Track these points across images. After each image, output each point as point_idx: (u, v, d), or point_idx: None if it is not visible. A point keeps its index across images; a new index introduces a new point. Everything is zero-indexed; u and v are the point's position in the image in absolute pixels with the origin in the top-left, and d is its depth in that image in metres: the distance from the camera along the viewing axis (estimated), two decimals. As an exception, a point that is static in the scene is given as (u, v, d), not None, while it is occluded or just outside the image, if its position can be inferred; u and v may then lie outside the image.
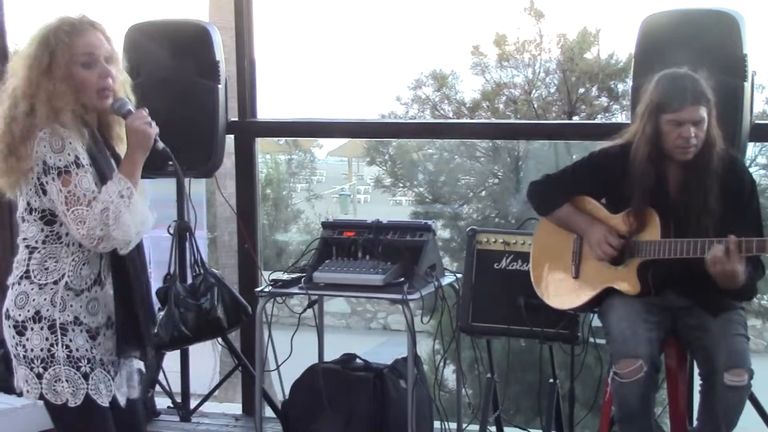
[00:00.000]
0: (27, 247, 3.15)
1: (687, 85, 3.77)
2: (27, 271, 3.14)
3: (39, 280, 3.13)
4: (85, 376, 3.15)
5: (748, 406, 3.88)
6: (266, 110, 5.70)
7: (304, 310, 4.87)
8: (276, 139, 18.51)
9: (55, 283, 3.13)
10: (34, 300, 3.12)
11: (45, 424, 5.30)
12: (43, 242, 3.14)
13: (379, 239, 4.78)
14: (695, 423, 3.89)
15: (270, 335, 4.80)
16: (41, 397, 3.14)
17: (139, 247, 3.26)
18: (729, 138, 4.03)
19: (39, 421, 5.30)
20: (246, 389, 5.61)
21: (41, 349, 3.12)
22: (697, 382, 3.86)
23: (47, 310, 3.11)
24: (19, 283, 3.14)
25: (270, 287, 4.75)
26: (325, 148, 27.26)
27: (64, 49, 3.07)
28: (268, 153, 19.74)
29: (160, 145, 3.19)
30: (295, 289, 4.73)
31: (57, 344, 3.12)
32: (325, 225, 4.98)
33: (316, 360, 5.03)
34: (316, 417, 4.77)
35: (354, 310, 15.64)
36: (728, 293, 3.74)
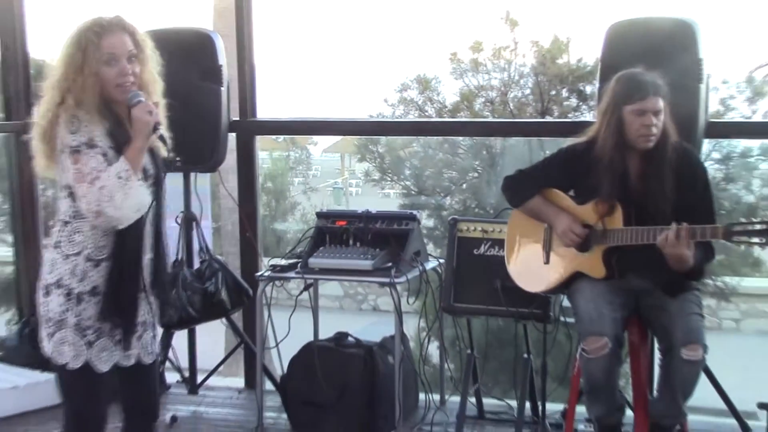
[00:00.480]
0: (60, 221, 3.23)
1: (647, 79, 3.80)
2: (58, 242, 3.22)
3: (65, 250, 3.20)
4: (89, 344, 3.22)
5: (703, 378, 3.91)
6: (265, 110, 5.70)
7: (301, 292, 4.88)
8: (274, 136, 18.48)
9: (77, 254, 3.19)
10: (59, 268, 3.20)
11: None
12: (73, 217, 3.21)
13: (368, 228, 4.80)
14: (655, 393, 3.92)
15: (269, 316, 4.81)
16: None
17: (141, 230, 3.25)
18: (686, 135, 4.04)
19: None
20: (248, 365, 5.62)
21: (56, 313, 3.20)
22: (657, 356, 3.89)
23: (67, 279, 3.18)
24: (51, 252, 3.23)
25: (269, 272, 4.76)
26: (319, 145, 27.24)
27: (93, 48, 3.15)
28: (267, 150, 19.71)
29: (159, 132, 3.20)
30: (292, 274, 4.75)
31: (70, 311, 3.19)
32: (320, 215, 4.99)
33: (311, 338, 5.05)
34: (312, 390, 4.78)
35: (346, 293, 15.61)
36: (679, 274, 3.77)
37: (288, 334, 4.81)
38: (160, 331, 3.58)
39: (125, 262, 3.22)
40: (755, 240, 3.56)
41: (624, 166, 3.85)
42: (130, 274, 3.25)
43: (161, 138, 3.21)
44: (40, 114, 3.21)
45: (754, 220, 3.62)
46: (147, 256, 3.31)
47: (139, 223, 3.22)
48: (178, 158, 3.31)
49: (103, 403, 3.34)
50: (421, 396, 5.08)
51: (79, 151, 3.11)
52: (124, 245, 3.21)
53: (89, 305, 3.20)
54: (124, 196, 3.09)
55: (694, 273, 3.78)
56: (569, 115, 10.79)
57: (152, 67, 3.31)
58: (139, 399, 3.47)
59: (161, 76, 3.37)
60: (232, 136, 5.41)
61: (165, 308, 3.49)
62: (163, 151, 3.33)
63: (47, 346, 3.24)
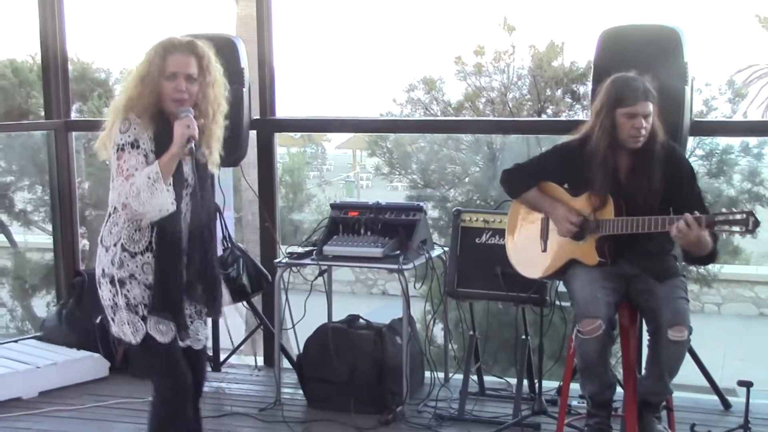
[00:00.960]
0: (108, 212, 3.31)
1: (638, 84, 3.78)
2: (102, 236, 3.31)
3: (105, 243, 3.29)
4: (144, 319, 3.26)
5: (687, 358, 3.89)
6: (283, 109, 5.68)
7: (316, 278, 4.88)
8: (292, 134, 18.46)
9: (115, 245, 3.26)
10: (102, 260, 3.28)
11: (100, 372, 5.37)
12: (115, 209, 3.27)
13: (378, 218, 4.79)
14: (643, 372, 3.90)
15: (287, 299, 4.81)
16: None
17: (179, 232, 3.29)
18: (672, 133, 4.03)
19: (96, 370, 5.35)
20: (267, 344, 5.61)
21: (109, 299, 3.28)
22: (646, 338, 3.87)
23: (109, 268, 3.26)
24: (99, 247, 3.31)
25: (287, 259, 4.76)
26: (333, 142, 27.20)
27: (158, 64, 3.24)
28: (285, 146, 19.69)
29: (190, 145, 3.22)
30: (308, 261, 4.75)
31: (118, 294, 3.24)
32: (333, 206, 4.98)
33: (325, 320, 5.03)
34: (325, 368, 4.78)
35: (358, 278, 15.60)
36: (698, 260, 3.76)
37: (304, 316, 4.81)
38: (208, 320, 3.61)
39: (165, 260, 3.26)
40: (736, 229, 3.55)
41: (615, 163, 3.83)
42: (172, 273, 3.28)
43: (190, 151, 3.23)
44: (109, 111, 3.32)
45: (734, 210, 3.61)
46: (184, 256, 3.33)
47: (176, 225, 3.26)
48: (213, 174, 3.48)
49: (178, 371, 3.35)
50: (427, 374, 5.08)
51: (124, 149, 3.19)
52: (163, 246, 3.25)
53: (133, 286, 3.25)
54: (150, 195, 3.12)
55: (714, 255, 3.76)
56: (563, 114, 10.76)
57: (213, 91, 3.35)
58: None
59: (226, 100, 3.43)
60: (253, 134, 5.39)
61: (214, 302, 3.46)
62: (213, 168, 3.42)
63: (113, 329, 3.32)
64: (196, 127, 3.23)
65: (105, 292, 3.28)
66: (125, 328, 3.26)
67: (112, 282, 3.24)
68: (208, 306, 3.44)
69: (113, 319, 3.29)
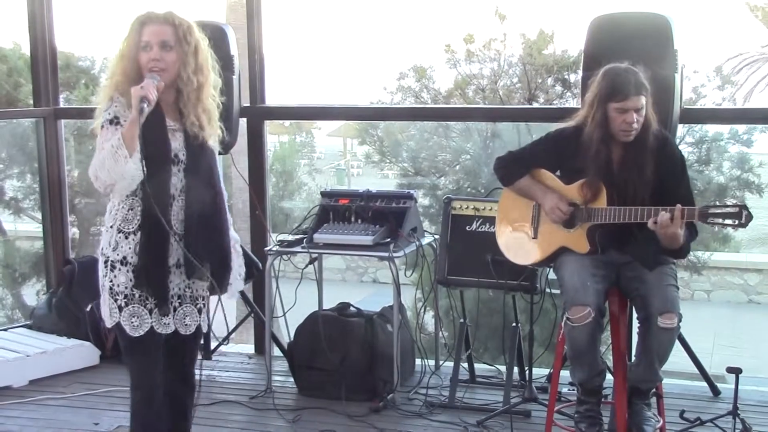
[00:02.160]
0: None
1: (630, 77, 3.77)
2: (106, 216, 3.30)
3: (106, 223, 3.29)
4: (119, 308, 3.24)
5: (677, 345, 3.91)
6: (273, 97, 5.67)
7: (306, 266, 4.88)
8: (282, 121, 18.43)
9: (111, 226, 3.25)
10: (102, 240, 3.29)
11: (90, 361, 5.37)
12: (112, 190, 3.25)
13: (369, 206, 4.79)
14: (633, 359, 3.91)
15: (277, 287, 4.82)
16: None
17: (165, 208, 3.22)
18: (663, 121, 4.03)
19: (87, 358, 5.35)
20: (258, 332, 5.62)
21: (101, 278, 3.28)
22: (636, 325, 3.88)
23: (105, 249, 3.26)
24: (103, 228, 3.32)
25: (277, 247, 4.76)
26: (323, 130, 27.17)
27: (134, 36, 3.22)
28: (275, 134, 19.65)
29: (143, 104, 3.08)
30: (298, 249, 4.75)
31: (106, 276, 3.25)
32: (324, 194, 4.98)
33: (316, 308, 5.04)
34: (316, 355, 4.78)
35: (348, 266, 15.61)
36: (668, 252, 3.76)
37: (294, 304, 4.82)
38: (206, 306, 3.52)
39: (150, 236, 3.21)
40: (728, 221, 3.56)
41: (608, 155, 3.84)
42: (156, 249, 3.23)
43: (141, 110, 3.09)
44: (97, 93, 3.33)
45: (727, 203, 3.61)
46: (174, 234, 3.26)
47: (162, 202, 3.20)
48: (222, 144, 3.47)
49: (145, 363, 3.34)
50: (418, 361, 5.09)
51: (103, 126, 3.18)
52: (149, 221, 3.20)
53: (120, 273, 3.23)
54: (114, 162, 3.09)
55: (680, 251, 3.78)
56: (554, 102, 10.76)
57: (194, 60, 3.27)
58: (176, 368, 3.47)
59: (214, 70, 3.37)
60: (243, 121, 5.38)
61: (222, 280, 3.40)
62: (212, 143, 3.38)
63: (100, 306, 3.34)
64: (152, 89, 3.12)
65: (100, 272, 3.29)
66: (104, 309, 3.28)
67: (105, 263, 3.25)
68: (217, 283, 3.36)
69: (101, 297, 3.31)
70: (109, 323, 3.28)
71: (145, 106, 3.09)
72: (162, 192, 3.22)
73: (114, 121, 3.17)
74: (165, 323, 3.31)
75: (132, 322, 3.24)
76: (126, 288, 3.23)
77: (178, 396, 3.51)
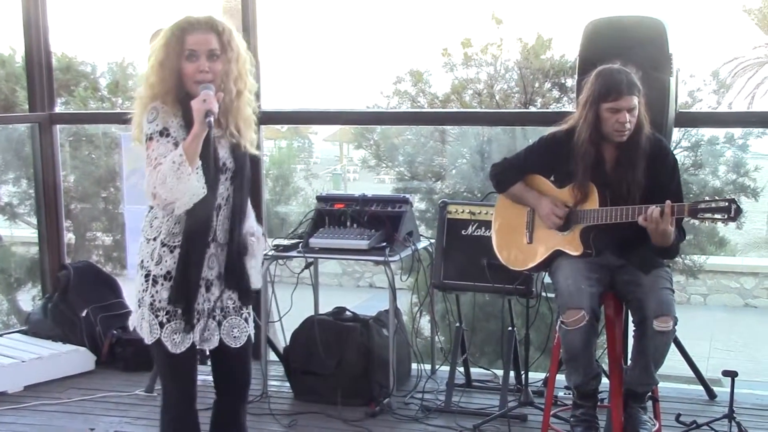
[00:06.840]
0: (148, 206, 3.18)
1: (623, 78, 3.78)
2: (144, 227, 3.18)
3: (147, 235, 3.16)
4: (161, 325, 3.13)
5: (673, 348, 3.91)
6: (270, 102, 5.67)
7: (302, 270, 4.88)
8: (279, 126, 18.39)
9: (155, 239, 3.14)
10: (143, 250, 3.16)
11: (86, 366, 5.37)
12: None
13: (365, 210, 4.80)
14: (629, 362, 3.91)
15: (273, 291, 4.81)
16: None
17: (209, 220, 3.14)
18: (657, 125, 4.05)
19: (82, 364, 5.35)
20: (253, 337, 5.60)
21: (138, 291, 3.17)
22: (631, 328, 3.89)
23: (147, 262, 3.14)
24: (141, 236, 3.19)
25: (273, 251, 4.76)
26: (320, 134, 27.19)
27: (175, 44, 3.08)
28: (271, 138, 19.63)
29: (209, 119, 3.00)
30: (294, 253, 4.75)
31: (146, 291, 3.13)
32: (319, 198, 4.99)
33: (312, 312, 5.04)
34: (312, 360, 4.79)
35: (344, 271, 15.59)
36: (658, 251, 3.76)
37: (290, 308, 4.81)
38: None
39: (192, 249, 3.12)
40: (718, 216, 3.56)
41: (600, 155, 3.85)
42: (195, 262, 3.14)
43: (209, 125, 3.01)
44: (134, 103, 3.18)
45: (717, 198, 3.63)
46: (213, 247, 3.19)
47: (206, 213, 3.12)
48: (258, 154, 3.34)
49: (185, 380, 3.28)
50: (414, 366, 5.09)
51: (152, 138, 3.05)
52: (193, 233, 3.11)
53: (163, 288, 3.12)
54: (176, 180, 2.95)
55: (670, 251, 3.78)
56: (551, 106, 10.78)
57: (236, 67, 3.16)
58: (225, 380, 3.43)
59: (251, 74, 3.25)
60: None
61: (248, 289, 3.34)
62: (252, 149, 3.27)
63: (132, 319, 3.24)
64: (214, 101, 3.02)
65: (138, 284, 3.17)
66: (144, 324, 3.15)
67: (146, 277, 3.13)
68: (240, 294, 3.30)
69: (136, 311, 3.20)
70: (148, 340, 3.15)
71: (212, 119, 3.00)
72: (212, 203, 3.13)
73: (164, 133, 3.05)
74: (206, 338, 3.23)
75: (173, 339, 3.14)
76: (168, 304, 3.13)
77: (229, 408, 3.46)
